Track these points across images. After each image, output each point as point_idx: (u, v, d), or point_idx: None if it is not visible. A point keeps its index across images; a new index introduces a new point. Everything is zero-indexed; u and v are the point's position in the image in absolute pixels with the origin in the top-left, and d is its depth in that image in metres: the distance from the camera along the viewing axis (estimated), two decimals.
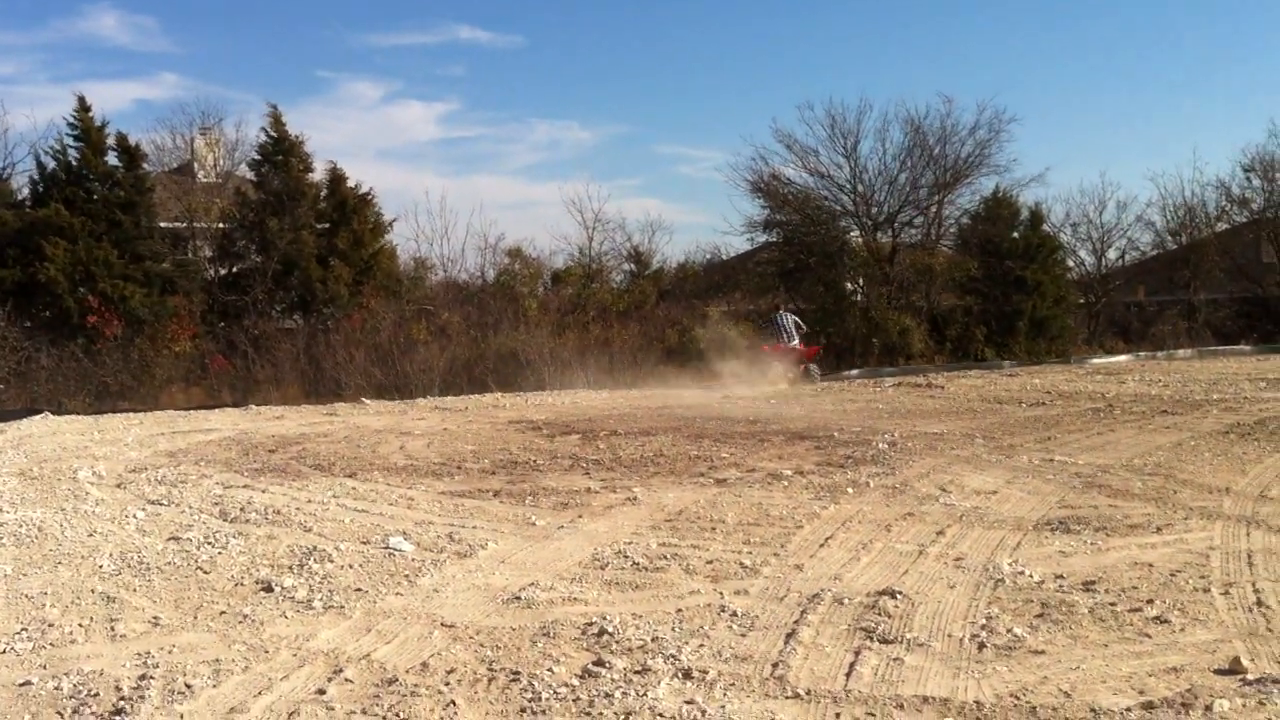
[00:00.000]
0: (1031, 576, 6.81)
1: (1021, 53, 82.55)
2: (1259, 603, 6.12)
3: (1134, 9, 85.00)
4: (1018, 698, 4.79)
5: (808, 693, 4.91)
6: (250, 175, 30.72)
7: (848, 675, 5.12)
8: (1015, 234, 36.22)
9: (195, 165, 34.58)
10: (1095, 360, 31.92)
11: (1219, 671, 5.04)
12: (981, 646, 5.48)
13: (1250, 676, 4.93)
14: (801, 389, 23.62)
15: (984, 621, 5.88)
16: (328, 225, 29.71)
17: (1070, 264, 40.99)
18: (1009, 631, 5.68)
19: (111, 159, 27.41)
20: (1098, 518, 8.53)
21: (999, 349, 34.13)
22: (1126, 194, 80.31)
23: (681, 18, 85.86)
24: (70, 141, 26.85)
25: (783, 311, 26.93)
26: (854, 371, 29.09)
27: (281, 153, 29.42)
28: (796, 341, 25.65)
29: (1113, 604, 6.17)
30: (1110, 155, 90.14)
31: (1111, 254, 42.47)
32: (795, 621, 5.93)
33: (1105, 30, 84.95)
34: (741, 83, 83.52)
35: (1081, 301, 40.33)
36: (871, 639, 5.62)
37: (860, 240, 36.04)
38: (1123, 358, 32.94)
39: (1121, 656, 5.29)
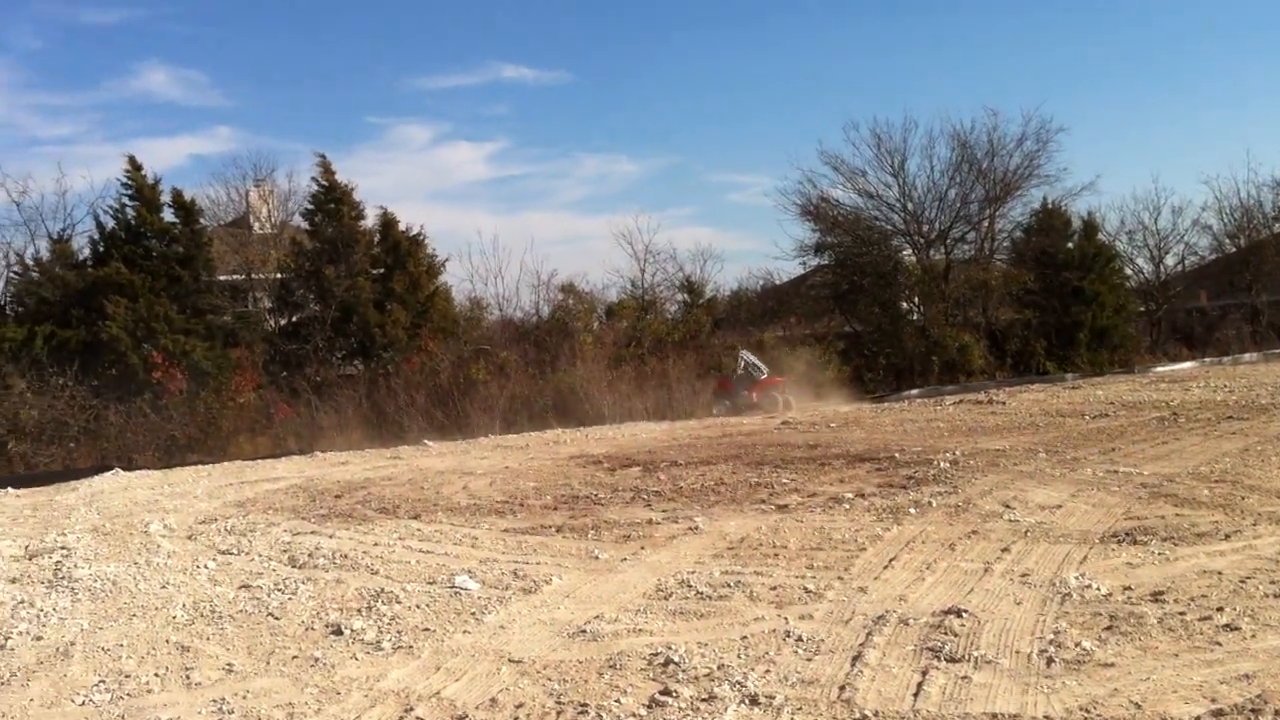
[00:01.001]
0: (1099, 589, 6.76)
1: (1066, 61, 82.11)
2: None
3: (1177, 12, 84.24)
4: (1088, 711, 4.76)
5: (875, 714, 4.91)
6: (304, 225, 31.13)
7: (915, 695, 5.11)
8: (1070, 244, 35.93)
9: (250, 217, 35.08)
10: (1159, 368, 31.51)
11: None
12: (1050, 661, 5.45)
13: None
14: (783, 412, 24.89)
15: (1052, 636, 5.84)
16: (382, 270, 29.99)
17: (1128, 272, 40.61)
18: (1077, 645, 5.64)
19: (168, 215, 27.89)
20: (1165, 527, 8.45)
21: (1060, 362, 33.79)
22: (1181, 198, 78.76)
23: (724, 46, 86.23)
24: (126, 200, 27.35)
25: (744, 351, 28.25)
26: (914, 391, 28.92)
27: (333, 201, 29.77)
28: (765, 373, 27.05)
29: (1182, 613, 6.11)
30: (1162, 160, 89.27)
31: (1170, 260, 42.05)
32: (861, 644, 5.93)
33: (1149, 34, 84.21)
34: (787, 107, 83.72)
35: (1142, 309, 39.87)
36: (938, 658, 5.61)
37: (914, 259, 35.90)
38: (1187, 364, 32.51)
39: (1192, 665, 5.25)
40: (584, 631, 6.59)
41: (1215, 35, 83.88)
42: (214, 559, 9.86)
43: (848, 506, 10.38)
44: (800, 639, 6.11)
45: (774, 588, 7.38)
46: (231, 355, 26.62)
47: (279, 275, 30.08)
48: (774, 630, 6.34)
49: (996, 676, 5.29)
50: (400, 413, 25.55)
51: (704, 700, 5.24)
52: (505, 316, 33.50)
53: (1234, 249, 42.58)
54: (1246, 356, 33.49)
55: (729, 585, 7.52)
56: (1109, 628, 5.95)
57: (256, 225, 34.44)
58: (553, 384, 27.75)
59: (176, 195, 28.13)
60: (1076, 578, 7.06)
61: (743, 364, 27.21)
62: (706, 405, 27.16)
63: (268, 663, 6.44)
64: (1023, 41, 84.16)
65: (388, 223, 30.57)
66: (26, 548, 11.09)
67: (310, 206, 30.46)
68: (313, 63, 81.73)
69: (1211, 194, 48.10)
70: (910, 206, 35.85)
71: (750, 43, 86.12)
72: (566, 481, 13.68)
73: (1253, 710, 4.59)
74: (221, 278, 29.47)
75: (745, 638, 6.24)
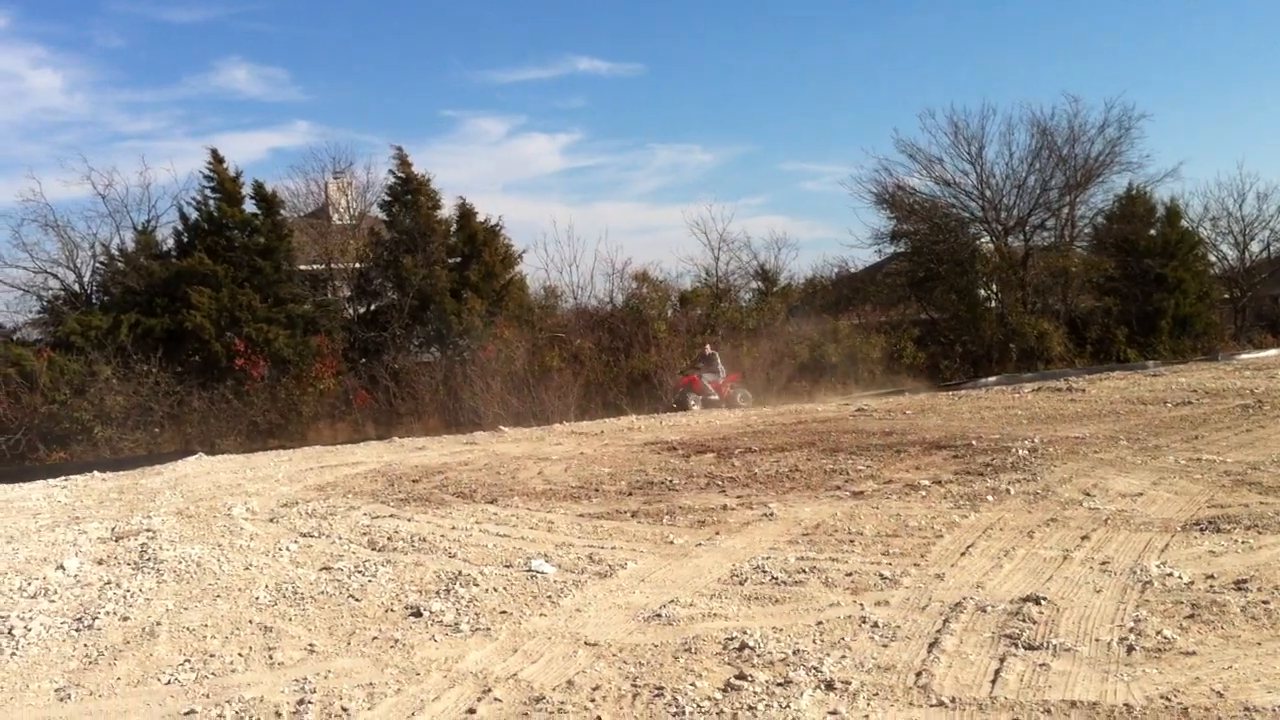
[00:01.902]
0: (1181, 577, 6.67)
1: (1149, 47, 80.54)
2: None
3: None
4: (1168, 699, 4.71)
5: (952, 700, 4.89)
6: (382, 215, 31.48)
7: (993, 682, 5.08)
8: (1152, 231, 35.33)
9: (330, 209, 35.51)
10: (1243, 356, 30.88)
11: None
12: (1130, 649, 5.39)
13: None
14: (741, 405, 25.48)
15: (1132, 624, 5.78)
16: (459, 259, 30.26)
17: (1212, 259, 39.83)
18: (1158, 633, 5.58)
19: (250, 207, 28.34)
20: (1248, 516, 8.30)
21: (1142, 349, 33.26)
22: (1267, 184, 77.20)
23: (798, 35, 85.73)
24: (208, 193, 27.84)
25: (708, 347, 27.61)
26: (991, 379, 28.59)
27: (410, 192, 30.09)
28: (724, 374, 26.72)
29: (1265, 602, 6.01)
30: (1247, 146, 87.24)
31: (1255, 246, 41.25)
32: (938, 630, 5.90)
33: (1231, 19, 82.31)
34: (862, 95, 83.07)
35: (1226, 296, 39.11)
36: (1016, 645, 5.57)
37: (991, 246, 35.46)
38: (1272, 352, 31.82)
39: (1275, 654, 5.17)
40: (659, 615, 6.62)
41: None
42: (295, 541, 10.02)
43: (924, 493, 10.31)
44: (876, 625, 6.10)
45: (849, 574, 7.36)
46: (312, 343, 26.98)
47: (358, 265, 30.46)
48: (850, 616, 6.33)
49: (1075, 664, 5.25)
50: (476, 399, 25.77)
51: (779, 685, 5.25)
52: (580, 305, 33.62)
53: None
54: None
55: (804, 571, 7.52)
56: (1191, 616, 5.88)
57: (335, 216, 34.83)
58: (627, 370, 27.85)
59: (258, 187, 28.56)
60: (1158, 565, 6.97)
61: (708, 360, 26.61)
62: (667, 401, 26.61)
63: (348, 643, 6.55)
64: (1106, 27, 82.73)
65: (465, 213, 30.80)
66: (113, 530, 11.35)
67: (387, 198, 30.82)
68: (389, 58, 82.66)
69: None
70: (988, 194, 35.47)
71: (825, 30, 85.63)
72: (641, 467, 13.72)
73: None
74: (301, 267, 29.87)
75: (820, 623, 6.24)
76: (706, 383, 25.76)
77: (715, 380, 25.95)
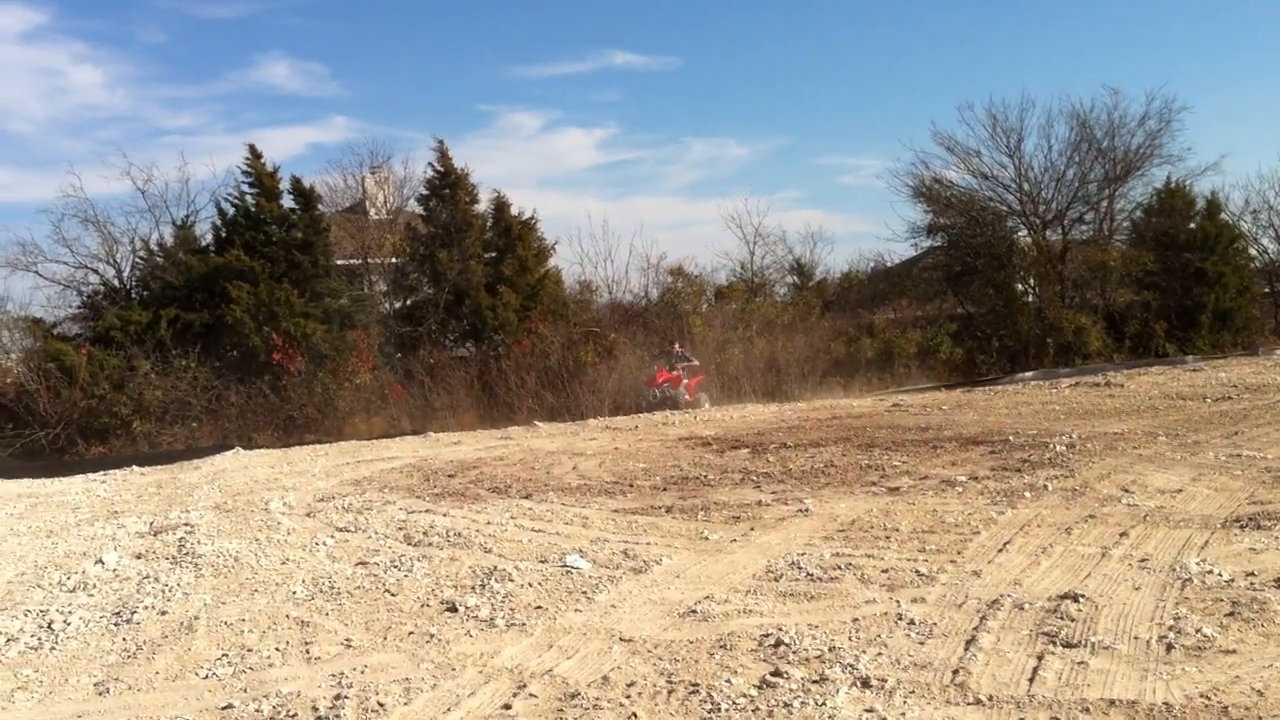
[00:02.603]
0: (1220, 575, 6.61)
1: (1189, 38, 79.61)
2: None
3: None
4: (1208, 698, 4.67)
5: (990, 699, 4.87)
6: (419, 210, 31.55)
7: (1030, 680, 5.05)
8: (1192, 225, 34.94)
9: (367, 203, 35.65)
10: None
11: None
12: (1169, 648, 5.35)
13: None
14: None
15: (1171, 622, 5.73)
16: (494, 254, 30.33)
17: (1253, 253, 39.34)
18: (1198, 631, 5.53)
19: (288, 201, 28.47)
20: None
21: (1181, 344, 32.92)
22: None
23: (833, 27, 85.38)
24: (246, 188, 28.02)
25: (678, 345, 27.00)
26: (1028, 374, 28.39)
27: (448, 186, 30.14)
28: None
29: None
30: None
31: None
32: (975, 628, 5.87)
33: (1275, 8, 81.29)
34: (898, 87, 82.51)
35: (1267, 291, 38.65)
36: (1054, 643, 5.53)
37: (1029, 240, 35.16)
38: None
39: None
40: (694, 611, 6.62)
41: None
42: (332, 536, 10.09)
43: (960, 489, 10.26)
44: (913, 622, 6.07)
45: (885, 570, 7.34)
46: (348, 337, 27.10)
47: (394, 259, 30.57)
48: (886, 613, 6.31)
49: (1114, 662, 5.21)
50: (511, 394, 25.82)
51: (815, 682, 5.24)
52: (614, 299, 33.60)
53: None
54: None
55: (839, 567, 7.49)
56: (1231, 614, 5.82)
57: (372, 211, 34.99)
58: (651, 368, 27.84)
59: (295, 183, 28.68)
60: (1197, 563, 6.91)
61: (679, 358, 25.98)
62: (644, 398, 25.63)
63: (385, 638, 6.58)
64: (1146, 19, 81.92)
65: (500, 206, 30.85)
66: (151, 524, 11.46)
67: (425, 192, 30.87)
68: (426, 52, 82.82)
69: None
70: (1026, 187, 35.16)
71: (860, 23, 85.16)
72: (675, 463, 13.71)
73: None
74: (339, 262, 30.00)
75: (856, 620, 6.22)
76: (684, 383, 25.31)
77: (688, 380, 25.57)
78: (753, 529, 9.07)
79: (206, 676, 6.06)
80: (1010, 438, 13.69)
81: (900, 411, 19.33)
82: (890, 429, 16.07)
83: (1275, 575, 6.52)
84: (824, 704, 4.95)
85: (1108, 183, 35.18)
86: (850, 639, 5.87)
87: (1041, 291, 34.06)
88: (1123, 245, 35.51)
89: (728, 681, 5.34)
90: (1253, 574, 6.61)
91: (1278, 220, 39.83)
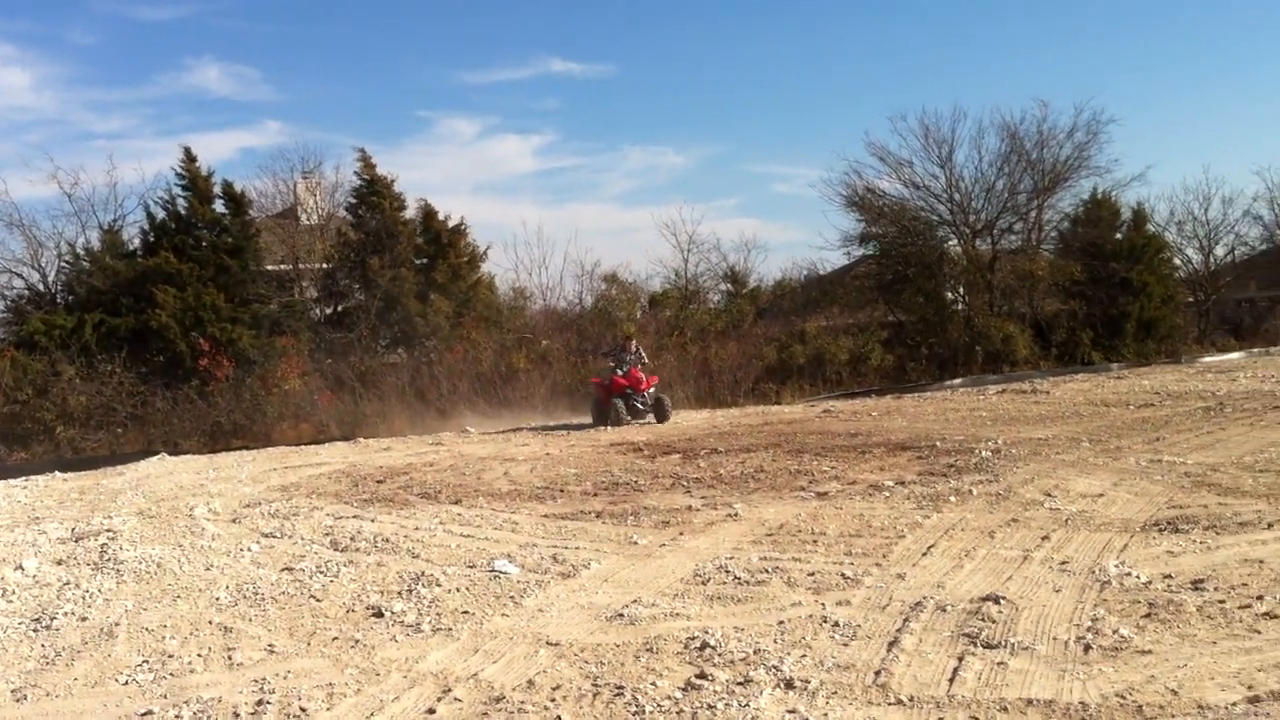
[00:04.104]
0: (1139, 577, 6.72)
1: (1118, 51, 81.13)
2: None
3: (1225, 4, 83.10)
4: (1124, 697, 4.74)
5: (910, 699, 4.91)
6: (349, 217, 31.41)
7: (951, 681, 5.11)
8: (1118, 235, 35.55)
9: (298, 209, 35.36)
10: (1206, 359, 31.13)
11: None
12: (1087, 648, 5.43)
13: None
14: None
15: (1090, 623, 5.82)
16: (425, 260, 30.24)
17: (1177, 263, 40.13)
18: (1115, 632, 5.62)
19: (218, 206, 28.20)
20: (1207, 516, 8.38)
21: (1106, 352, 33.46)
22: (1232, 189, 77.66)
23: (770, 36, 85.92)
24: (178, 191, 27.68)
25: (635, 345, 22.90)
26: (957, 381, 28.72)
27: (374, 194, 30.08)
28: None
29: (1222, 601, 6.07)
30: (1213, 151, 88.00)
31: (1219, 250, 41.59)
32: (898, 630, 5.93)
33: (1200, 23, 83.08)
34: (833, 97, 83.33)
35: (1190, 300, 39.43)
36: (975, 644, 5.60)
37: (959, 249, 35.59)
38: (1235, 355, 32.08)
39: (1230, 653, 5.21)
40: (621, 615, 6.62)
41: (1265, 24, 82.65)
42: (257, 542, 9.98)
43: (888, 494, 10.36)
44: (837, 624, 6.12)
45: (812, 574, 7.39)
46: (277, 343, 26.85)
47: (325, 265, 30.36)
48: (811, 616, 6.35)
49: (1033, 662, 5.28)
50: (443, 400, 25.70)
51: (739, 684, 5.26)
52: (548, 306, 33.66)
53: None
54: None
55: (767, 571, 7.54)
56: (1148, 615, 5.93)
57: (303, 216, 34.68)
58: (594, 372, 27.82)
59: (227, 187, 28.45)
60: (1116, 565, 7.03)
61: (634, 358, 21.89)
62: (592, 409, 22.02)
63: (309, 644, 6.52)
64: (1075, 32, 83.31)
65: (427, 213, 30.84)
66: (73, 530, 11.27)
67: (353, 199, 30.78)
68: (362, 57, 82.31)
69: (1263, 184, 47.38)
70: (957, 197, 35.56)
71: (797, 32, 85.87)
72: (607, 468, 13.72)
73: None
74: (269, 268, 29.76)
75: (782, 623, 6.25)
76: (630, 388, 21.14)
77: (639, 377, 21.47)
78: (682, 533, 9.09)
79: (126, 683, 5.97)
80: (937, 443, 13.84)
81: (831, 417, 19.49)
82: (820, 435, 16.20)
83: (1192, 578, 6.64)
84: (748, 705, 4.97)
85: (1037, 193, 35.70)
86: (776, 641, 5.90)
87: (971, 300, 34.46)
88: (1050, 255, 36.03)
89: (653, 684, 5.34)
90: (1170, 576, 6.73)
91: (1201, 231, 40.70)
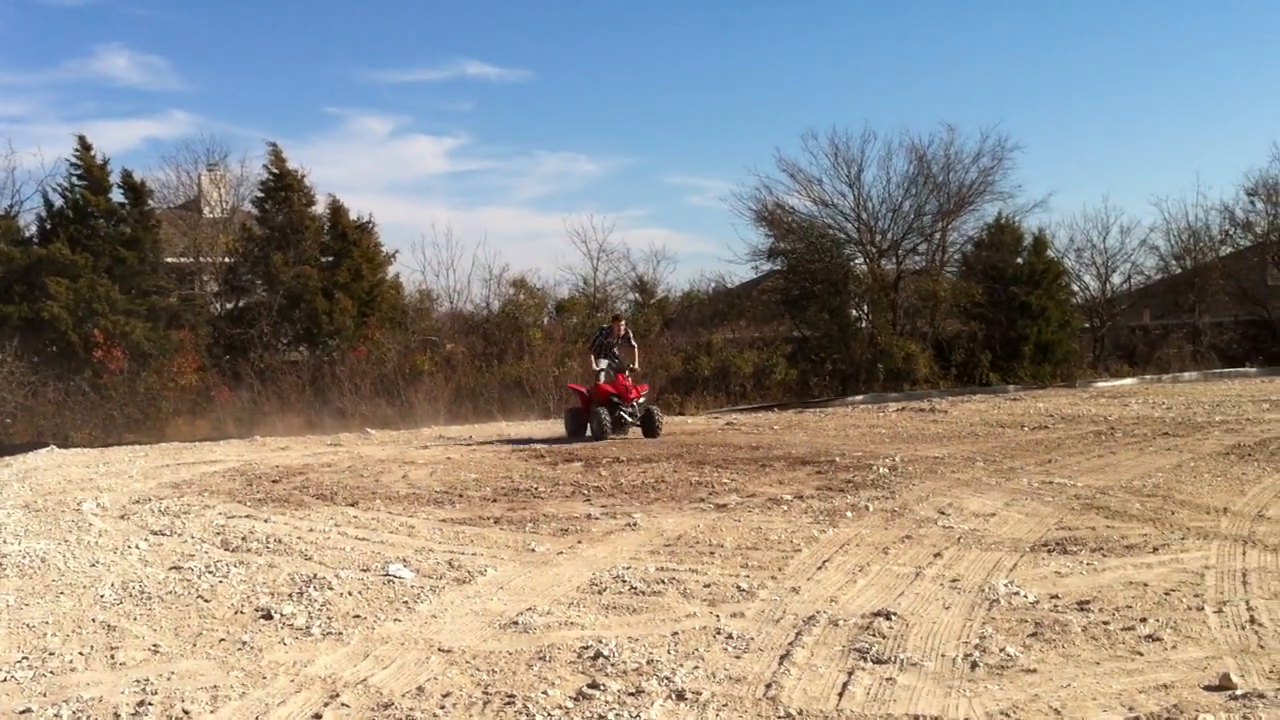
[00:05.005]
0: (1027, 597, 6.84)
1: (1024, 79, 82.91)
2: (1252, 620, 6.15)
3: (1134, 35, 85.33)
4: (1008, 715, 4.81)
5: (800, 713, 4.94)
6: (254, 211, 30.99)
7: (840, 695, 5.14)
8: (1019, 260, 36.31)
9: (201, 201, 34.81)
10: (1100, 384, 31.89)
11: (1209, 688, 5.07)
12: (974, 666, 5.50)
13: (1239, 691, 4.95)
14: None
15: (977, 641, 5.90)
16: (331, 258, 29.92)
17: (1075, 289, 41.14)
18: (1002, 651, 5.70)
19: (118, 196, 27.65)
20: (1095, 539, 8.56)
21: (1004, 374, 34.14)
22: (1130, 219, 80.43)
23: (687, 50, 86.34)
24: (75, 180, 27.11)
25: (628, 332, 19.93)
26: (858, 397, 29.10)
27: (283, 188, 29.71)
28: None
29: (1106, 623, 6.19)
30: (1113, 180, 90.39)
31: (1116, 278, 42.65)
32: (790, 643, 5.96)
33: (1106, 56, 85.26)
34: (748, 113, 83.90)
35: (1086, 326, 40.39)
36: (865, 659, 5.64)
37: (865, 267, 36.13)
38: (1128, 381, 32.91)
39: (1113, 674, 5.32)
40: (515, 623, 6.58)
41: (1167, 59, 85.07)
42: (146, 539, 9.77)
43: (786, 508, 10.43)
44: (730, 636, 6.13)
45: (708, 585, 7.40)
46: (174, 337, 26.38)
47: (227, 260, 29.90)
48: (705, 627, 6.36)
49: (920, 679, 5.34)
50: (344, 400, 25.43)
51: (631, 694, 5.24)
52: (455, 309, 33.53)
53: (1179, 270, 43.18)
54: (1186, 375, 33.94)
55: (663, 582, 7.54)
56: (1034, 634, 6.02)
57: (207, 209, 34.17)
58: (499, 376, 27.71)
59: (126, 176, 27.94)
60: (1005, 584, 7.14)
61: (622, 345, 19.41)
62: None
63: (194, 645, 6.38)
64: (983, 59, 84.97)
65: (336, 210, 30.54)
66: None
67: (260, 193, 30.37)
68: (275, 50, 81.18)
69: (1160, 215, 48.78)
70: (864, 216, 36.14)
71: (713, 48, 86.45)
72: (508, 474, 13.65)
73: (1168, 719, 4.67)
74: (169, 260, 29.24)
75: (676, 634, 6.25)
76: (616, 395, 18.46)
77: (626, 384, 18.73)
78: (580, 542, 9.07)
79: (5, 679, 5.78)
80: (837, 458, 13.99)
81: (733, 430, 19.61)
82: (722, 447, 16.28)
83: (1078, 598, 6.77)
84: (639, 716, 4.95)
85: (941, 216, 36.39)
86: (669, 652, 5.90)
87: (874, 318, 34.98)
88: (953, 277, 36.71)
89: (544, 693, 5.31)
90: (1057, 596, 6.85)
91: (1099, 259, 41.72)
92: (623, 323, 20.00)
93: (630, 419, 18.61)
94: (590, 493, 11.85)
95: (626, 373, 18.89)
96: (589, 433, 18.21)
